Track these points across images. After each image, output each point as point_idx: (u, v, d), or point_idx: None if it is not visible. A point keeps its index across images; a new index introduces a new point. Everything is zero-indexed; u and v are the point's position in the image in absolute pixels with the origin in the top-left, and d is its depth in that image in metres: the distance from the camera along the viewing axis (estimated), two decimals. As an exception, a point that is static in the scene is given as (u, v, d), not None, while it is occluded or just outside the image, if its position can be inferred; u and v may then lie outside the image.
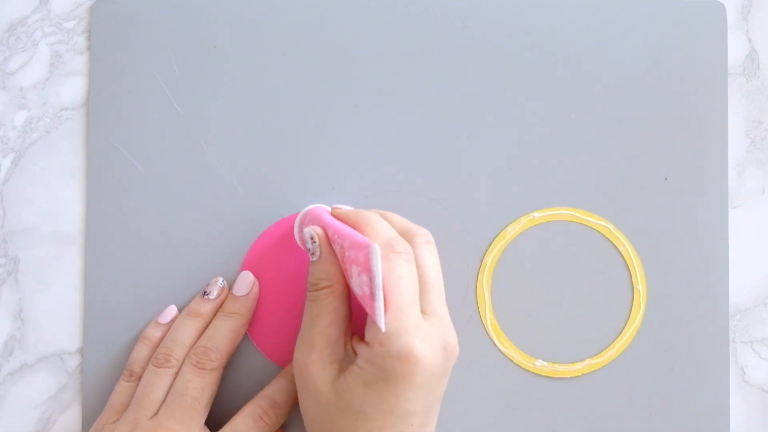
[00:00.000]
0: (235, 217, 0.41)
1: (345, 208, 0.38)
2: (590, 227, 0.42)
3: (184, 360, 0.38)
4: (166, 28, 0.42)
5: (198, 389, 0.37)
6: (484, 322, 0.41)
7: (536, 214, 0.42)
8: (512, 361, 0.41)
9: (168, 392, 0.38)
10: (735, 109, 0.43)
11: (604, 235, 0.42)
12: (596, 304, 0.42)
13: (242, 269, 0.41)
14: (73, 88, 0.42)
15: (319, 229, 0.35)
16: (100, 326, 0.41)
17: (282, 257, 0.41)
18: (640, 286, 0.42)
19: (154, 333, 0.40)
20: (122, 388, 0.39)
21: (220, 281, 0.40)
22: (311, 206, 0.39)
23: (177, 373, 0.38)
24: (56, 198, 0.42)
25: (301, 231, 0.38)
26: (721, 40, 0.42)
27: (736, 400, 0.42)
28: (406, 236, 0.35)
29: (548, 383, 0.42)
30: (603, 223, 0.42)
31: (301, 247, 0.39)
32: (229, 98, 0.42)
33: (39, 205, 0.42)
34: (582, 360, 0.42)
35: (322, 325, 0.34)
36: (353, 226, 0.35)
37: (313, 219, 0.37)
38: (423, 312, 0.34)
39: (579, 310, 0.42)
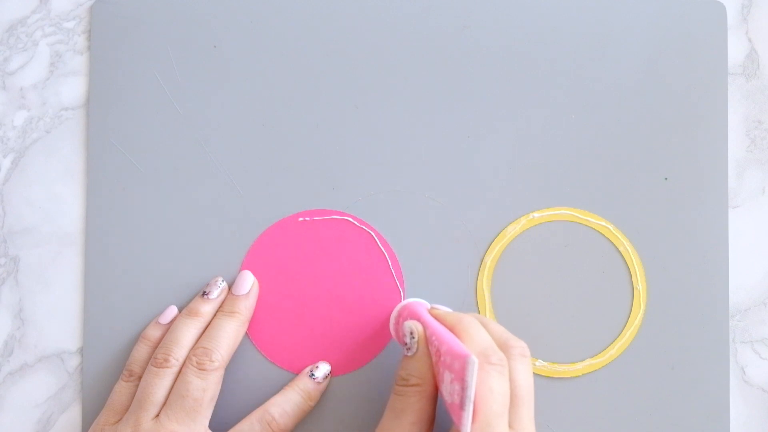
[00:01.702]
0: (235, 217, 0.41)
1: (444, 309, 0.39)
2: (590, 227, 0.42)
3: (184, 361, 0.38)
4: (166, 28, 0.42)
5: (199, 390, 0.37)
6: (484, 322, 0.41)
7: (536, 214, 0.42)
8: (512, 361, 0.41)
9: (169, 393, 0.37)
10: (735, 109, 0.43)
11: (604, 235, 0.42)
12: (596, 304, 0.42)
13: (242, 269, 0.41)
14: (73, 88, 0.42)
15: (420, 326, 0.35)
16: (100, 326, 0.41)
17: (282, 257, 0.41)
18: (640, 286, 0.42)
19: (155, 333, 0.40)
20: (122, 388, 0.39)
21: (220, 281, 0.40)
22: (409, 300, 0.40)
23: (177, 374, 0.38)
24: (56, 198, 0.42)
25: (398, 323, 0.38)
26: (721, 40, 0.42)
27: (736, 400, 0.42)
28: (503, 346, 0.35)
29: (548, 383, 0.42)
30: (603, 223, 0.42)
31: (395, 339, 0.39)
32: (229, 98, 0.42)
33: (39, 205, 0.42)
34: (582, 360, 0.42)
35: (405, 422, 0.34)
36: (451, 330, 0.35)
37: (411, 314, 0.37)
38: (510, 426, 0.33)
39: (579, 310, 0.42)
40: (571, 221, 0.42)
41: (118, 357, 0.41)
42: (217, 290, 0.40)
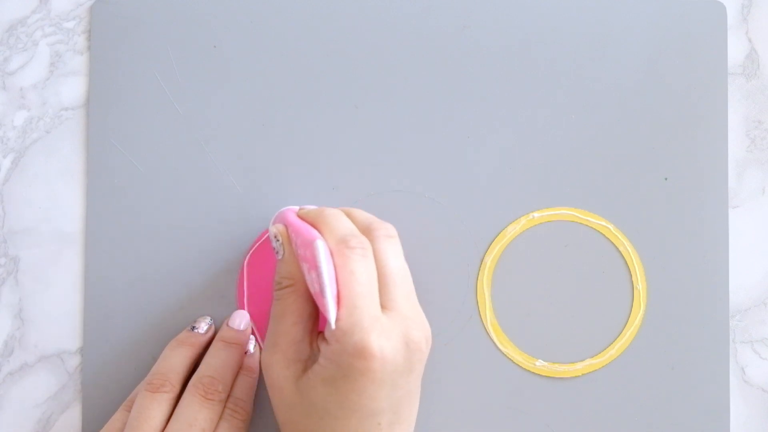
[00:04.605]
0: (235, 217, 0.41)
1: (310, 207, 0.38)
2: (590, 227, 0.42)
3: (183, 389, 0.37)
4: (166, 28, 0.42)
5: (207, 421, 0.36)
6: (484, 322, 0.41)
7: (536, 214, 0.42)
8: (512, 361, 0.41)
9: (167, 421, 0.36)
10: (735, 109, 0.43)
11: (604, 235, 0.42)
12: (596, 304, 0.42)
13: (243, 269, 0.41)
14: (73, 88, 0.42)
15: (282, 227, 0.35)
16: (100, 326, 0.41)
17: (282, 257, 0.41)
18: (640, 286, 0.42)
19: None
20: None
21: (208, 320, 0.40)
22: (284, 208, 0.39)
23: (174, 401, 0.37)
24: (56, 198, 0.42)
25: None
26: (721, 40, 0.42)
27: (736, 400, 0.42)
28: (366, 231, 0.35)
29: (548, 383, 0.42)
30: (603, 223, 0.42)
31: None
32: (229, 98, 0.42)
33: (39, 205, 0.42)
34: (582, 360, 0.42)
35: (286, 324, 0.34)
36: (313, 225, 0.35)
37: (280, 219, 0.37)
38: (383, 307, 0.33)
39: (579, 310, 0.42)
40: (571, 221, 0.42)
41: (118, 357, 0.41)
42: (206, 326, 0.40)
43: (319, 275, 0.31)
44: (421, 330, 0.34)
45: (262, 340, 0.41)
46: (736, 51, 0.43)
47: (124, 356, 0.41)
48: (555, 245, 0.42)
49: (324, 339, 0.33)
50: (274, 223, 0.37)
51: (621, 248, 0.42)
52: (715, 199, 0.42)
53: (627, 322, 0.42)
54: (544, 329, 0.42)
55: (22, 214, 0.42)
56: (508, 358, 0.41)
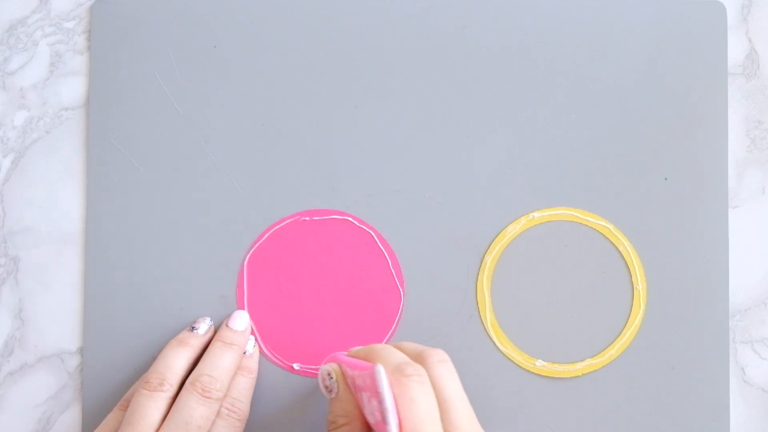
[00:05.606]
0: (235, 217, 0.41)
1: (358, 348, 0.38)
2: (590, 227, 0.42)
3: (180, 387, 0.38)
4: (166, 28, 0.42)
5: (203, 418, 0.36)
6: (484, 322, 0.41)
7: (536, 214, 0.42)
8: (512, 361, 0.41)
9: (163, 420, 0.36)
10: (735, 109, 0.43)
11: (604, 235, 0.42)
12: (596, 304, 0.42)
13: (243, 269, 0.41)
14: (73, 88, 0.42)
15: (335, 365, 0.35)
16: (100, 326, 0.41)
17: (282, 257, 0.41)
18: (640, 286, 0.42)
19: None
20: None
21: (208, 320, 0.40)
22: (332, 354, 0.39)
23: (171, 400, 0.37)
24: (56, 198, 0.42)
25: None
26: (721, 40, 0.42)
27: (736, 400, 0.42)
28: (419, 359, 0.35)
29: (548, 383, 0.42)
30: (603, 223, 0.42)
31: (323, 391, 0.37)
32: (229, 98, 0.42)
33: (39, 205, 0.42)
34: (582, 360, 0.42)
35: None
36: (365, 360, 0.35)
37: (329, 360, 0.37)
38: None
39: (579, 310, 0.42)
40: (571, 221, 0.42)
41: (118, 357, 0.41)
42: (206, 327, 0.40)
43: (381, 402, 0.30)
44: None
45: (262, 340, 0.41)
46: (736, 51, 0.43)
47: (124, 356, 0.41)
48: (555, 245, 0.42)
49: None
50: (324, 364, 0.37)
51: (621, 248, 0.42)
52: (715, 199, 0.42)
53: (627, 322, 0.42)
54: (544, 329, 0.42)
55: (22, 214, 0.42)
56: (508, 358, 0.41)
